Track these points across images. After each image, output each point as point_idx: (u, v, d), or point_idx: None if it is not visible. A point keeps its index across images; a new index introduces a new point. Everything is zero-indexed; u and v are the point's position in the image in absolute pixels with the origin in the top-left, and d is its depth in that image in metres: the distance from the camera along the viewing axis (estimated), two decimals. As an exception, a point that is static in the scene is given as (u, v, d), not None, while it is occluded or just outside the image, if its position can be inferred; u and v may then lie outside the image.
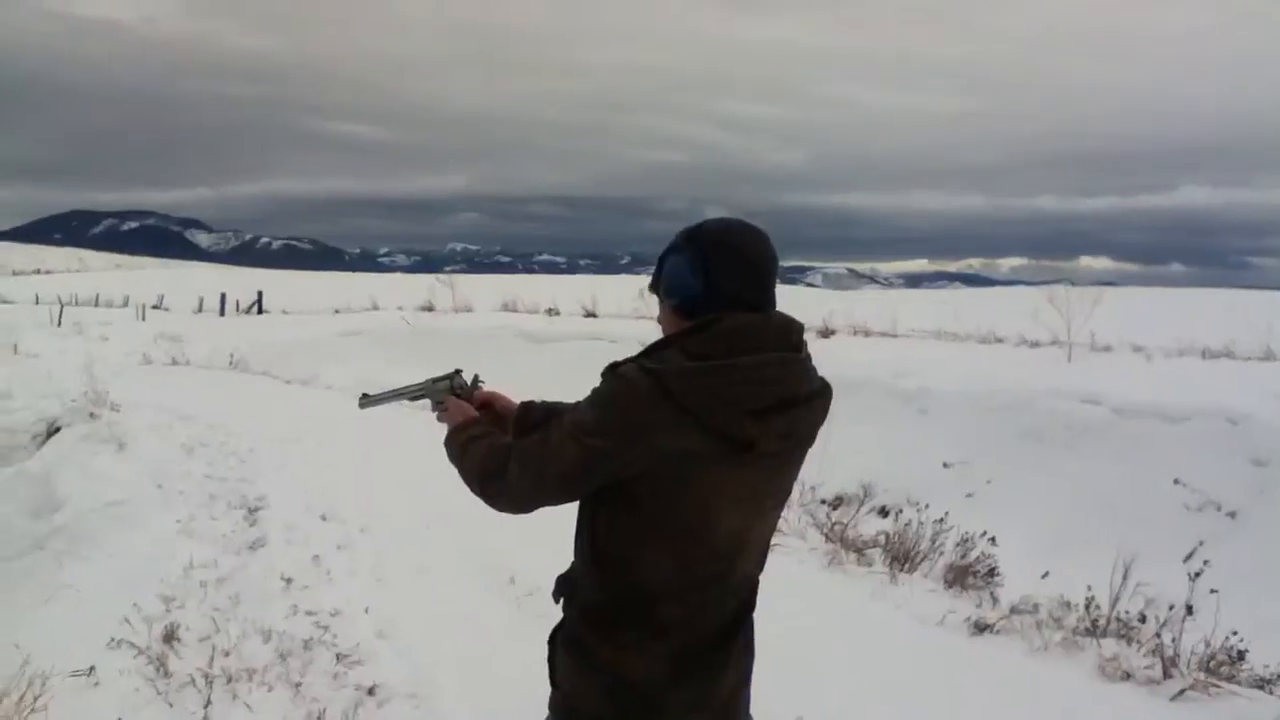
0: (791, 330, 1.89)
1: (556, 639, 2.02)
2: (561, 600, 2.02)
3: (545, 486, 1.86)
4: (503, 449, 1.98)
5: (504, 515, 2.03)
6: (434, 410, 2.37)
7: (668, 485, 1.77)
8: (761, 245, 1.90)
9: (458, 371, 2.46)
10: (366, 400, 2.64)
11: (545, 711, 2.04)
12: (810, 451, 1.99)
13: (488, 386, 2.48)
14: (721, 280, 1.85)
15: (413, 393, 2.48)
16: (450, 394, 2.39)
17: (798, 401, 1.83)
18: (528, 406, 2.36)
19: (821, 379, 1.94)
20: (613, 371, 1.81)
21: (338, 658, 4.58)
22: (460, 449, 2.09)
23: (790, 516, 7.39)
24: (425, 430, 11.74)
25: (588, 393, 1.86)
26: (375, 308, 27.04)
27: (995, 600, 5.69)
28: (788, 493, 2.01)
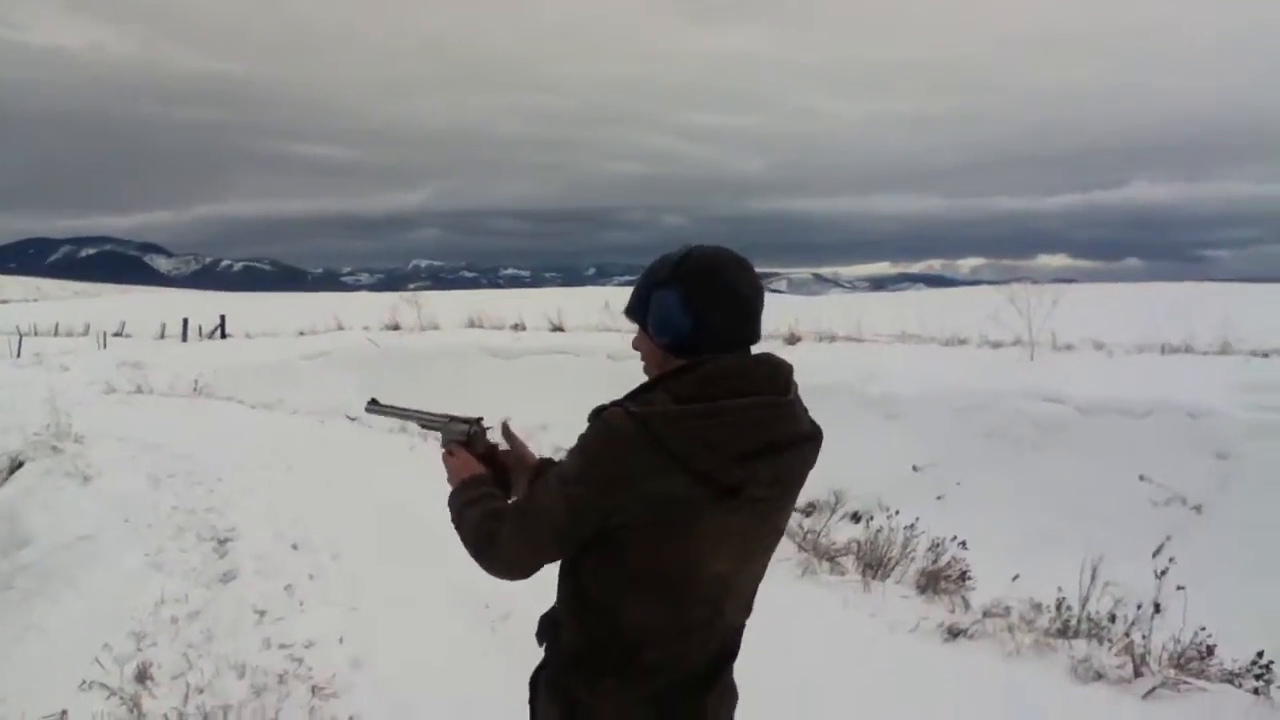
0: (779, 373, 1.87)
1: (539, 681, 2.01)
2: (545, 643, 2.00)
3: (539, 546, 1.83)
4: (496, 513, 1.93)
5: None
6: (442, 447, 2.26)
7: (654, 531, 1.75)
8: (751, 278, 1.88)
9: (479, 419, 2.30)
10: (375, 407, 2.53)
11: None
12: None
13: (505, 438, 2.33)
14: (713, 318, 1.83)
15: (426, 421, 2.35)
16: (465, 441, 2.25)
17: (785, 446, 1.82)
18: (542, 467, 2.23)
19: (812, 422, 1.92)
20: (598, 416, 1.78)
21: (313, 690, 4.55)
22: (458, 513, 2.03)
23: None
24: (395, 454, 11.69)
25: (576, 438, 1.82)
26: (340, 328, 26.84)
27: (967, 605, 5.74)
28: (779, 536, 1.98)
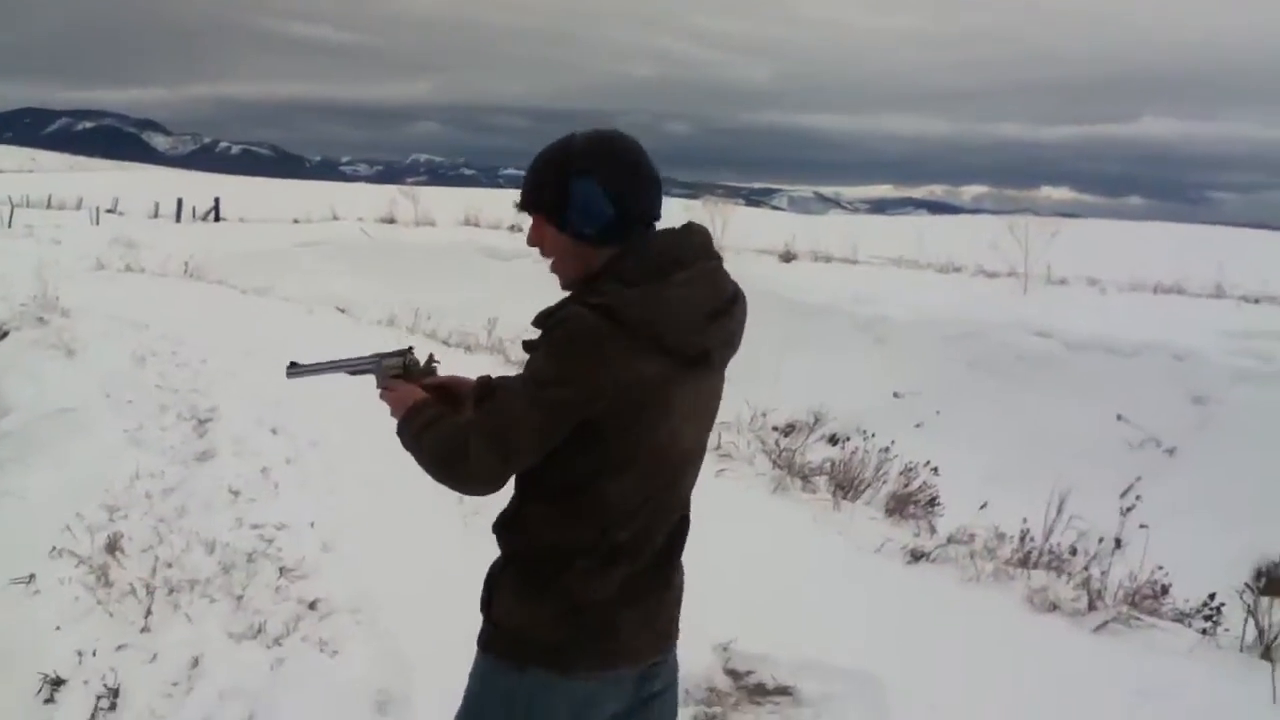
0: (708, 239, 1.91)
1: (499, 577, 1.98)
2: (508, 540, 1.98)
3: (517, 452, 1.80)
4: (460, 427, 1.89)
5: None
6: (378, 388, 2.20)
7: (634, 413, 1.77)
8: (649, 158, 1.89)
9: (410, 349, 2.27)
10: (295, 370, 2.37)
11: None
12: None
13: (443, 368, 2.29)
14: (632, 201, 1.83)
15: (355, 366, 2.27)
16: (401, 374, 2.20)
17: (728, 308, 1.86)
18: (486, 382, 2.20)
19: (735, 283, 1.95)
20: (552, 318, 1.77)
21: (281, 571, 4.61)
22: (414, 437, 1.97)
23: (740, 442, 7.47)
24: (385, 348, 11.65)
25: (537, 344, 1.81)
26: (335, 218, 26.70)
27: (933, 530, 5.81)
28: (719, 402, 2.02)
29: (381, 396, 2.16)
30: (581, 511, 1.85)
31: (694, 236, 1.88)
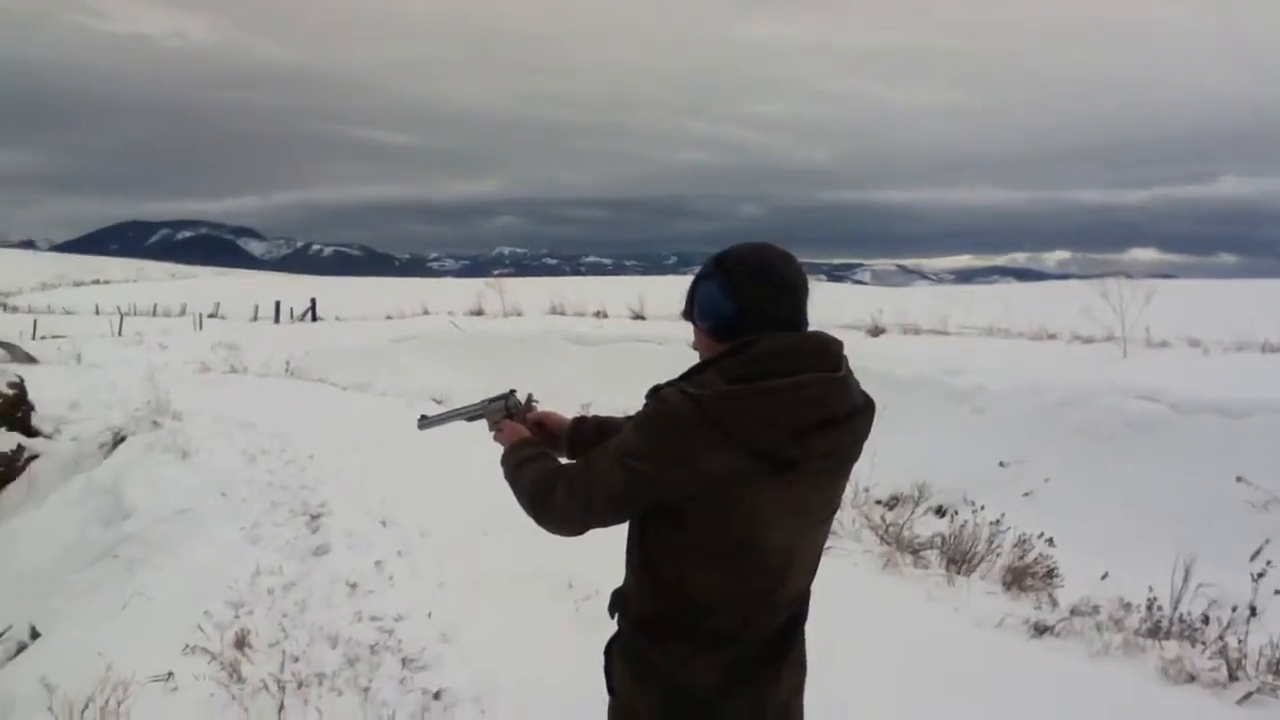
0: (829, 349, 1.92)
1: (613, 649, 2.09)
2: (617, 614, 2.09)
3: (593, 510, 1.92)
4: (552, 472, 2.05)
5: None
6: (490, 430, 2.46)
7: (714, 506, 1.82)
8: (790, 266, 1.94)
9: (512, 391, 2.52)
10: (425, 422, 2.75)
11: (604, 716, 2.11)
12: (863, 452, 2.02)
13: (541, 406, 2.55)
14: (754, 302, 1.90)
15: (469, 413, 2.57)
16: (505, 414, 2.46)
17: (838, 420, 1.86)
18: (579, 422, 2.44)
19: (864, 395, 1.97)
20: (655, 395, 1.86)
21: (404, 662, 4.67)
22: (513, 471, 2.17)
23: (845, 519, 7.38)
24: (481, 436, 11.83)
25: (636, 410, 1.93)
26: (426, 312, 27.32)
27: (1054, 602, 5.65)
28: (835, 507, 2.04)
29: (494, 438, 2.41)
30: (673, 592, 1.91)
31: (809, 346, 1.89)
